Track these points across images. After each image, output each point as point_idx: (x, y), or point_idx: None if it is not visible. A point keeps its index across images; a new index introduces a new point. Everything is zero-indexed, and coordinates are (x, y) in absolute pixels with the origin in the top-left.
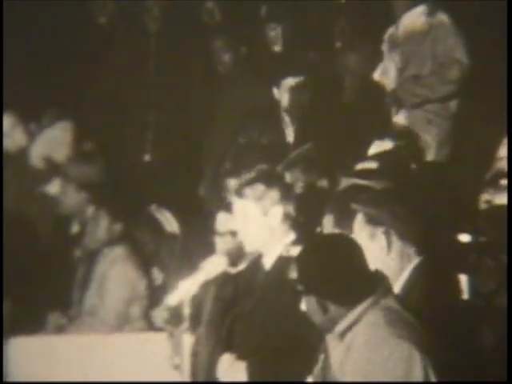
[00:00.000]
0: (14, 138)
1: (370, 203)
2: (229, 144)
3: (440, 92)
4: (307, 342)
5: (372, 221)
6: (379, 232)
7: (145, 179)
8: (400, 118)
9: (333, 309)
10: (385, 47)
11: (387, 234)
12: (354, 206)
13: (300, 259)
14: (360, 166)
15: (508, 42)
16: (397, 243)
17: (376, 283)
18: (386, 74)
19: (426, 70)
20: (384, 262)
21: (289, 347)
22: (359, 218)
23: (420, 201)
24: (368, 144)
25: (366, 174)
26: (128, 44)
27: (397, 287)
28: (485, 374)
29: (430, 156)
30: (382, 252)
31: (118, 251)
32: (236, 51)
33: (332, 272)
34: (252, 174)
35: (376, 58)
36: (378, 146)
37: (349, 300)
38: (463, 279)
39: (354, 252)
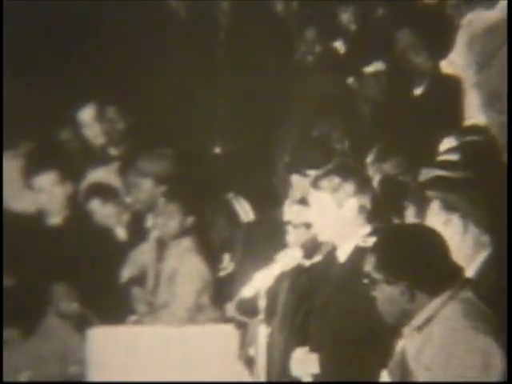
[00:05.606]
0: (95, 130)
1: (447, 189)
2: (300, 136)
3: None
4: (382, 335)
5: (448, 206)
6: (455, 217)
7: (217, 171)
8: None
9: (420, 297)
10: (461, 35)
11: (464, 219)
12: (430, 193)
13: (382, 249)
14: (441, 157)
15: (508, 42)
16: (472, 229)
17: (455, 275)
18: (461, 66)
19: None
20: (458, 247)
21: (363, 340)
22: (435, 205)
23: (501, 195)
24: (443, 137)
25: (447, 165)
26: (198, 37)
27: (469, 272)
28: None
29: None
30: (457, 237)
31: (185, 243)
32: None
33: (419, 260)
34: (329, 166)
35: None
36: (455, 140)
37: (436, 289)
38: None
39: (436, 242)
